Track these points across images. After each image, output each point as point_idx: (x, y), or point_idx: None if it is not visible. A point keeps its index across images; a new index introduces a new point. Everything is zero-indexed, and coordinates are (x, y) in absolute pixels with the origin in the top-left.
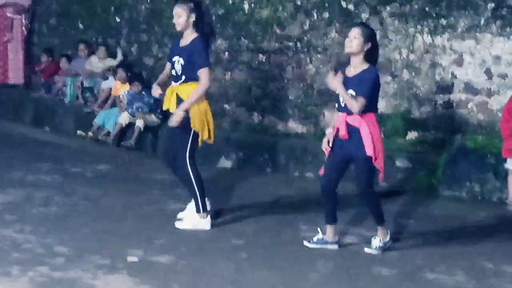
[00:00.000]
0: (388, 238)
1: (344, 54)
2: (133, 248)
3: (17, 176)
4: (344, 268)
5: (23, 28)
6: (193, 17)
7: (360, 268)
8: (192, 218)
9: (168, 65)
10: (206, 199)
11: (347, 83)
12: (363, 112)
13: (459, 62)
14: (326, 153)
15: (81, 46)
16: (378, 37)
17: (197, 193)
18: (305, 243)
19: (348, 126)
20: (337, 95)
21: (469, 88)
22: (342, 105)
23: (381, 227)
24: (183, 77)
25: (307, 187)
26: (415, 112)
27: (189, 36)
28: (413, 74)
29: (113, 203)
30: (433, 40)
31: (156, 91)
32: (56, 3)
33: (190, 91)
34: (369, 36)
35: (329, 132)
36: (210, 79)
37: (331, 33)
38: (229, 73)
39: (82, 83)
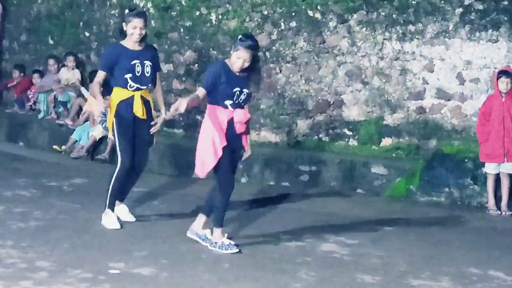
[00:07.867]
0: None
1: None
2: (114, 261)
3: None
4: (327, 277)
5: None
6: None
7: (344, 276)
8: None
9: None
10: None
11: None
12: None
13: (430, 67)
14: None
15: (51, 62)
16: (347, 44)
17: None
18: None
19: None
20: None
21: (441, 93)
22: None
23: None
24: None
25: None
26: (388, 119)
27: (141, 43)
28: (384, 81)
29: (91, 216)
30: (402, 46)
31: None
32: (26, 20)
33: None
34: None
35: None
36: None
37: (299, 42)
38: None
39: (55, 98)
